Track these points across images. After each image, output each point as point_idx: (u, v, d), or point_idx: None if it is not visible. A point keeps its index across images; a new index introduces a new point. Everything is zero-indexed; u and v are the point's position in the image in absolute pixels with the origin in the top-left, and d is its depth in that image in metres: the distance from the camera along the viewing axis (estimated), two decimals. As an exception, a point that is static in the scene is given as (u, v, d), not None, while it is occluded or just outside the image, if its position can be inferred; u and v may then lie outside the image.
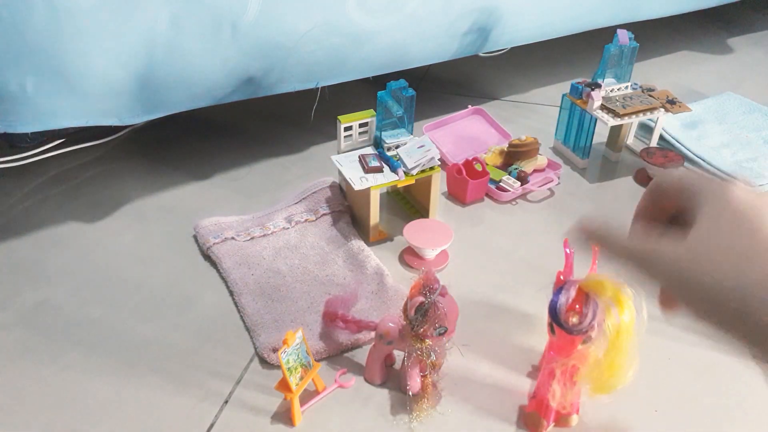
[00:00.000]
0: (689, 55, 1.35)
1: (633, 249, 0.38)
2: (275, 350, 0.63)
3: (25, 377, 0.62)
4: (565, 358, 0.52)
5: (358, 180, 0.76)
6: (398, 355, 0.62)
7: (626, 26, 1.01)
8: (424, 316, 0.53)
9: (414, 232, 0.76)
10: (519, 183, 0.87)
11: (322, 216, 0.82)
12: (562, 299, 0.50)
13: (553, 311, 0.51)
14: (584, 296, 0.50)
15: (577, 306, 0.50)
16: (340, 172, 0.80)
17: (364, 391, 0.61)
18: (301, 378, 0.57)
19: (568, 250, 0.54)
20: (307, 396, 0.60)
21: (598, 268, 0.54)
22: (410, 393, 0.58)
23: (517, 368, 0.63)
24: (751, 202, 0.35)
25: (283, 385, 0.56)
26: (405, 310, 0.56)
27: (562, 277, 0.54)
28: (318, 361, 0.63)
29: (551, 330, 0.53)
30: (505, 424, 0.58)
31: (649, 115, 0.91)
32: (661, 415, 0.59)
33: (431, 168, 0.78)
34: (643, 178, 0.93)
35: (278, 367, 0.62)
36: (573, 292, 0.50)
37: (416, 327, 0.54)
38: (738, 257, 0.33)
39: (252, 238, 0.79)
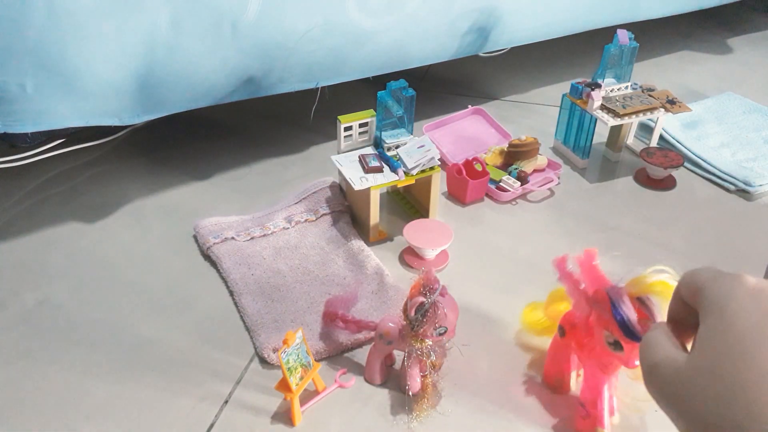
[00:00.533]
0: (689, 55, 1.35)
1: (644, 356, 0.34)
2: (275, 350, 0.63)
3: (24, 377, 0.62)
4: (634, 367, 0.50)
5: (358, 180, 0.76)
6: (398, 355, 0.62)
7: (626, 26, 1.01)
8: (424, 316, 0.53)
9: (414, 232, 0.76)
10: (519, 183, 0.87)
11: (322, 216, 0.82)
12: (628, 313, 0.47)
13: (627, 328, 0.47)
14: (638, 301, 0.48)
15: (641, 312, 0.48)
16: (340, 172, 0.80)
17: (364, 391, 0.61)
18: (301, 378, 0.57)
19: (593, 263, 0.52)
20: (308, 396, 0.60)
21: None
22: (410, 393, 0.58)
23: (517, 368, 0.63)
24: (755, 319, 0.30)
25: (283, 385, 0.56)
26: (405, 310, 0.55)
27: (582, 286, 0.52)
28: (318, 361, 0.63)
29: (616, 347, 0.50)
30: (504, 422, 0.58)
31: (649, 115, 0.91)
32: (661, 414, 0.59)
33: (431, 168, 0.78)
34: (643, 178, 0.93)
35: (278, 367, 0.62)
36: (628, 302, 0.48)
37: (416, 327, 0.54)
38: (734, 386, 0.29)
39: (252, 238, 0.79)
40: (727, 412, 0.29)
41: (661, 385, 0.33)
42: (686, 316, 0.35)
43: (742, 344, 0.29)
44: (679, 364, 0.32)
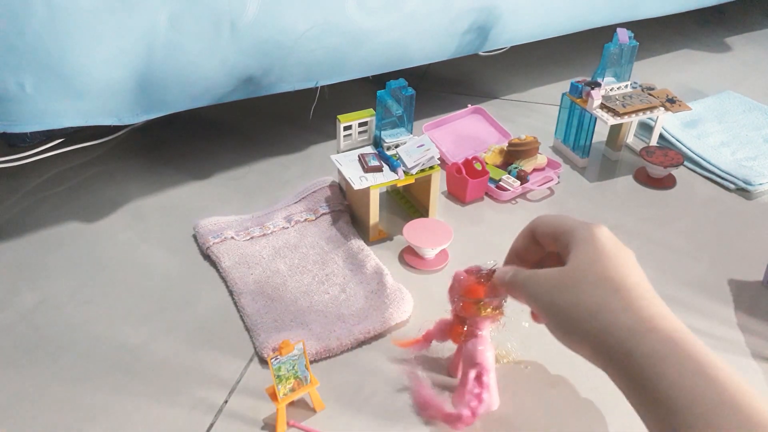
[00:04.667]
0: (689, 53, 1.34)
1: (517, 275, 0.49)
2: (275, 350, 0.63)
3: (23, 377, 0.62)
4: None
5: (357, 179, 0.76)
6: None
7: (626, 25, 1.01)
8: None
9: (414, 232, 0.76)
10: (519, 182, 0.87)
11: (321, 215, 0.82)
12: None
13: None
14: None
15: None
16: (339, 172, 0.80)
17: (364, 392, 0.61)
18: (292, 389, 0.56)
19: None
20: (304, 415, 0.58)
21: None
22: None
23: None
24: (613, 247, 0.44)
25: (271, 392, 0.56)
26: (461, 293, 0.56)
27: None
28: (319, 361, 0.63)
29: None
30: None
31: (648, 114, 0.91)
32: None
33: (431, 167, 0.78)
34: (643, 177, 0.93)
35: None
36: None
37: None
38: (600, 291, 0.42)
39: (251, 238, 0.79)
40: (592, 298, 0.42)
41: (536, 289, 0.46)
42: (529, 252, 0.52)
43: (603, 258, 0.44)
44: (556, 272, 0.45)
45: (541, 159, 0.92)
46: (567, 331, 0.44)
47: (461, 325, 0.58)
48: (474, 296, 0.54)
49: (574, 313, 0.43)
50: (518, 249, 0.52)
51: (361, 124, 0.80)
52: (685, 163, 0.95)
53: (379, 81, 0.88)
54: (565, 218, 0.48)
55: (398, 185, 0.79)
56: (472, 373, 0.56)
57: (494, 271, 0.53)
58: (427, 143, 0.78)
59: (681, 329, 0.40)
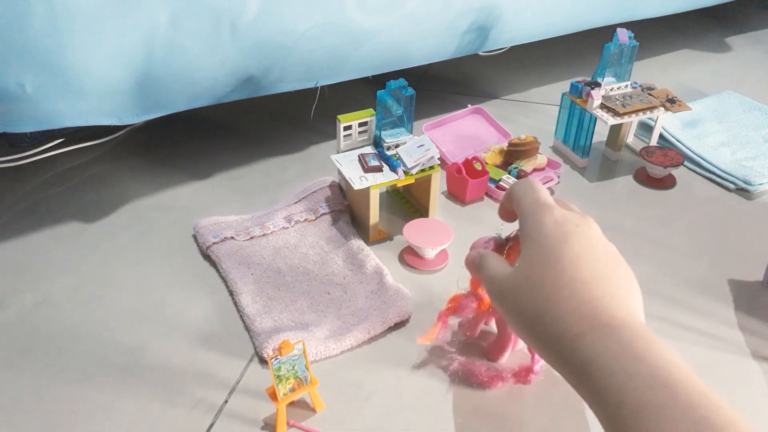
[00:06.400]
0: (689, 53, 1.35)
1: (481, 269, 0.50)
2: (275, 350, 0.63)
3: (23, 378, 0.62)
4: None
5: (357, 179, 0.76)
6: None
7: (626, 25, 1.01)
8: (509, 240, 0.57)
9: (414, 232, 0.76)
10: (519, 182, 0.87)
11: (321, 215, 0.82)
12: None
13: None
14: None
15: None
16: (339, 172, 0.80)
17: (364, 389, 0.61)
18: (292, 390, 0.56)
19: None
20: (304, 415, 0.58)
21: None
22: None
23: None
24: (559, 241, 0.44)
25: (271, 392, 0.56)
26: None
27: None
28: (319, 361, 0.63)
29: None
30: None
31: (648, 114, 0.91)
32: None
33: (431, 167, 0.78)
34: (643, 177, 0.93)
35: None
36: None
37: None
38: (547, 288, 0.42)
39: (251, 238, 0.79)
40: (533, 301, 0.43)
41: (496, 290, 0.47)
42: (512, 214, 0.52)
43: (547, 259, 0.43)
44: (508, 274, 0.46)
45: (541, 159, 0.92)
46: (518, 333, 0.46)
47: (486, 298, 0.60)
48: None
49: (519, 321, 0.44)
50: (504, 205, 0.54)
51: (361, 124, 0.80)
52: (685, 163, 0.96)
53: (379, 81, 0.88)
54: (523, 197, 0.49)
55: (398, 185, 0.79)
56: None
57: (512, 236, 0.56)
58: (427, 143, 0.78)
59: (624, 322, 0.40)
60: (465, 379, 0.61)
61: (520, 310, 0.44)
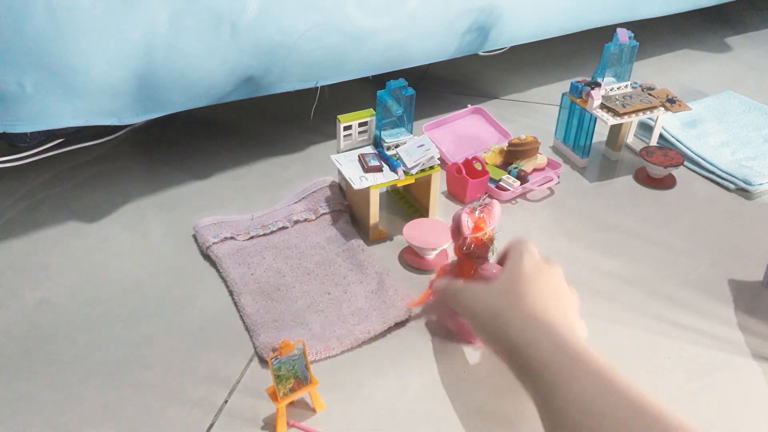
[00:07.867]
0: (689, 54, 1.35)
1: (449, 286, 0.61)
2: (275, 350, 0.63)
3: (23, 378, 0.62)
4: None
5: (357, 179, 0.76)
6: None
7: (626, 25, 1.01)
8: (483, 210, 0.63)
9: (414, 232, 0.76)
10: (519, 182, 0.87)
11: (321, 215, 0.82)
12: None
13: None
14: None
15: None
16: (339, 172, 0.80)
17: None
18: (292, 390, 0.56)
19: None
20: (304, 415, 0.58)
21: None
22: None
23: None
24: (531, 270, 0.56)
25: (271, 392, 0.56)
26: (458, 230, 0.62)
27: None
28: (319, 361, 0.63)
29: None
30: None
31: (648, 114, 0.91)
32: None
33: (431, 167, 0.78)
34: (643, 177, 0.93)
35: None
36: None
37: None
38: (504, 302, 0.54)
39: (252, 238, 0.79)
40: (506, 306, 0.54)
41: (463, 300, 0.59)
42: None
43: (521, 278, 0.55)
44: (481, 286, 0.57)
45: (541, 159, 0.92)
46: (476, 331, 0.58)
47: (470, 261, 0.64)
48: (481, 231, 0.62)
49: (481, 317, 0.55)
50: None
51: (361, 124, 0.80)
52: (685, 163, 0.96)
53: (379, 81, 0.88)
54: (513, 243, 0.60)
55: (398, 185, 0.79)
56: None
57: (486, 203, 0.63)
58: (427, 143, 0.78)
59: (560, 326, 0.51)
60: (456, 335, 0.66)
61: (478, 311, 0.56)
